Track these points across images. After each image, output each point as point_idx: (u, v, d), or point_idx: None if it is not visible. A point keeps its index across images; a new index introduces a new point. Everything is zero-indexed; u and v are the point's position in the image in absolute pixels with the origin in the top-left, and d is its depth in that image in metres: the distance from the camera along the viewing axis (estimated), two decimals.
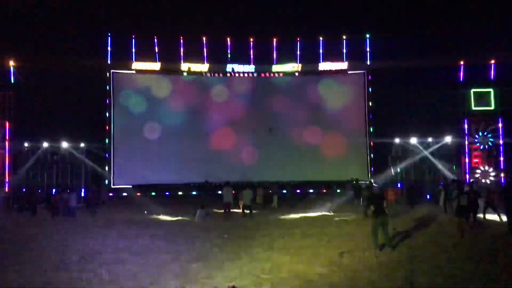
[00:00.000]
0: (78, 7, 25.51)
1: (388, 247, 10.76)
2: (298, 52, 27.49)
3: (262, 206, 19.91)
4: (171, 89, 26.57)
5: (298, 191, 25.43)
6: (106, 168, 25.58)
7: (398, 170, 24.20)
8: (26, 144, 22.78)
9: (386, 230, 10.95)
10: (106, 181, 25.33)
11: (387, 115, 25.41)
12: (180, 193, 25.54)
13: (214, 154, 25.77)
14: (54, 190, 22.23)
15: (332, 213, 18.08)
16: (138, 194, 24.83)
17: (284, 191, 23.83)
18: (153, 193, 24.98)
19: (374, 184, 19.84)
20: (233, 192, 18.53)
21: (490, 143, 24.04)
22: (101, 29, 25.78)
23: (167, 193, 25.41)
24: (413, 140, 23.70)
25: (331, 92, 27.07)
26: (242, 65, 27.05)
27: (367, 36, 27.10)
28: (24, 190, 22.12)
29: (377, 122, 26.73)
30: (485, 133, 24.08)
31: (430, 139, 23.73)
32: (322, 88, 27.18)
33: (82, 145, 23.79)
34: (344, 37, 27.24)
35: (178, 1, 26.77)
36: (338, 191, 24.78)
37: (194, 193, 25.42)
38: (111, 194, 24.91)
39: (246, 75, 27.22)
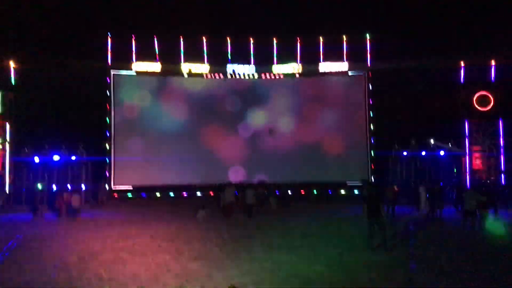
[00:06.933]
0: (78, 7, 25.49)
1: (383, 248, 10.67)
2: (299, 53, 27.44)
3: (262, 206, 19.87)
4: (171, 90, 26.54)
5: (300, 191, 25.38)
6: (107, 168, 25.51)
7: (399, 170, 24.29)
8: (26, 145, 22.75)
9: (383, 231, 10.91)
10: (106, 185, 25.25)
11: (387, 115, 25.35)
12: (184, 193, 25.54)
13: (214, 155, 25.73)
14: (56, 191, 22.13)
15: None
16: (139, 194, 24.79)
17: (284, 192, 23.77)
18: (158, 194, 25.02)
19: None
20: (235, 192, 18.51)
21: (490, 144, 24.05)
22: (101, 29, 25.73)
23: (170, 194, 25.37)
24: (414, 141, 23.74)
25: (332, 93, 27.05)
26: (242, 65, 27.01)
27: (367, 36, 27.08)
28: (24, 190, 22.08)
29: (378, 122, 26.64)
30: (485, 134, 24.11)
31: (430, 140, 23.74)
32: (323, 88, 27.16)
33: (82, 145, 23.72)
34: (344, 37, 27.20)
35: (178, 1, 26.73)
36: (343, 191, 25.16)
37: (198, 194, 25.41)
38: (116, 195, 24.90)
39: (246, 75, 27.18)
